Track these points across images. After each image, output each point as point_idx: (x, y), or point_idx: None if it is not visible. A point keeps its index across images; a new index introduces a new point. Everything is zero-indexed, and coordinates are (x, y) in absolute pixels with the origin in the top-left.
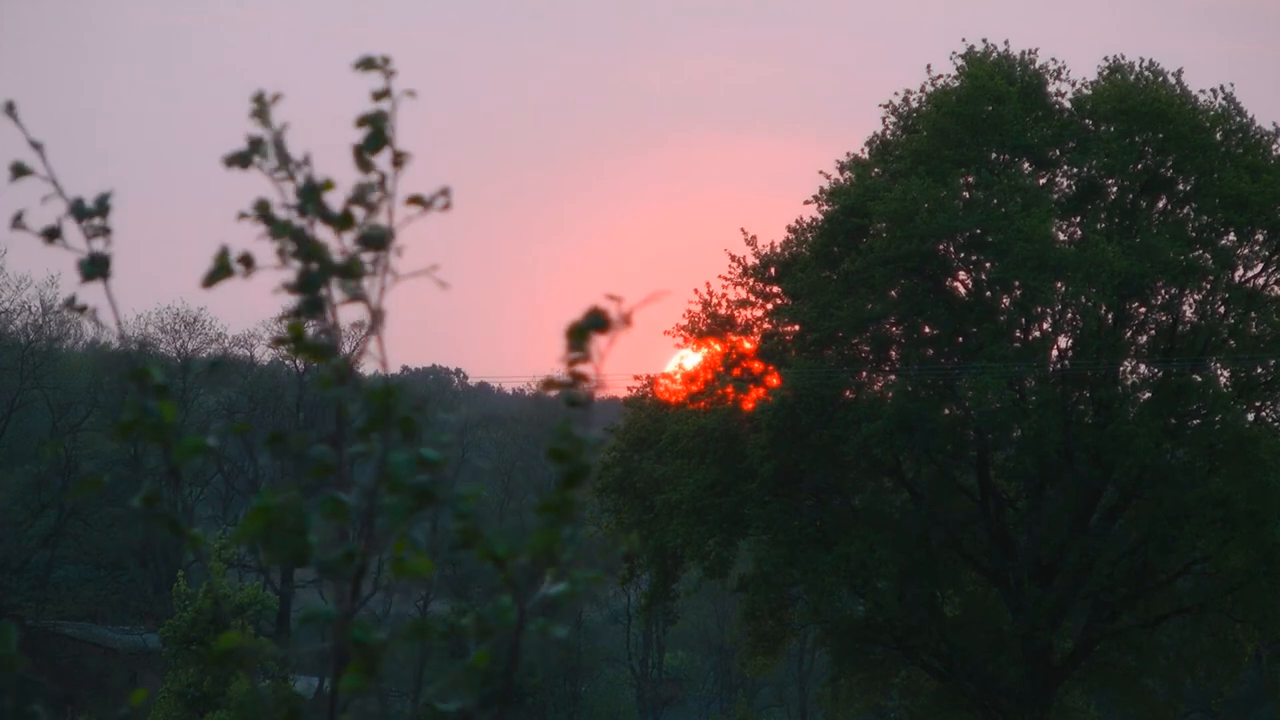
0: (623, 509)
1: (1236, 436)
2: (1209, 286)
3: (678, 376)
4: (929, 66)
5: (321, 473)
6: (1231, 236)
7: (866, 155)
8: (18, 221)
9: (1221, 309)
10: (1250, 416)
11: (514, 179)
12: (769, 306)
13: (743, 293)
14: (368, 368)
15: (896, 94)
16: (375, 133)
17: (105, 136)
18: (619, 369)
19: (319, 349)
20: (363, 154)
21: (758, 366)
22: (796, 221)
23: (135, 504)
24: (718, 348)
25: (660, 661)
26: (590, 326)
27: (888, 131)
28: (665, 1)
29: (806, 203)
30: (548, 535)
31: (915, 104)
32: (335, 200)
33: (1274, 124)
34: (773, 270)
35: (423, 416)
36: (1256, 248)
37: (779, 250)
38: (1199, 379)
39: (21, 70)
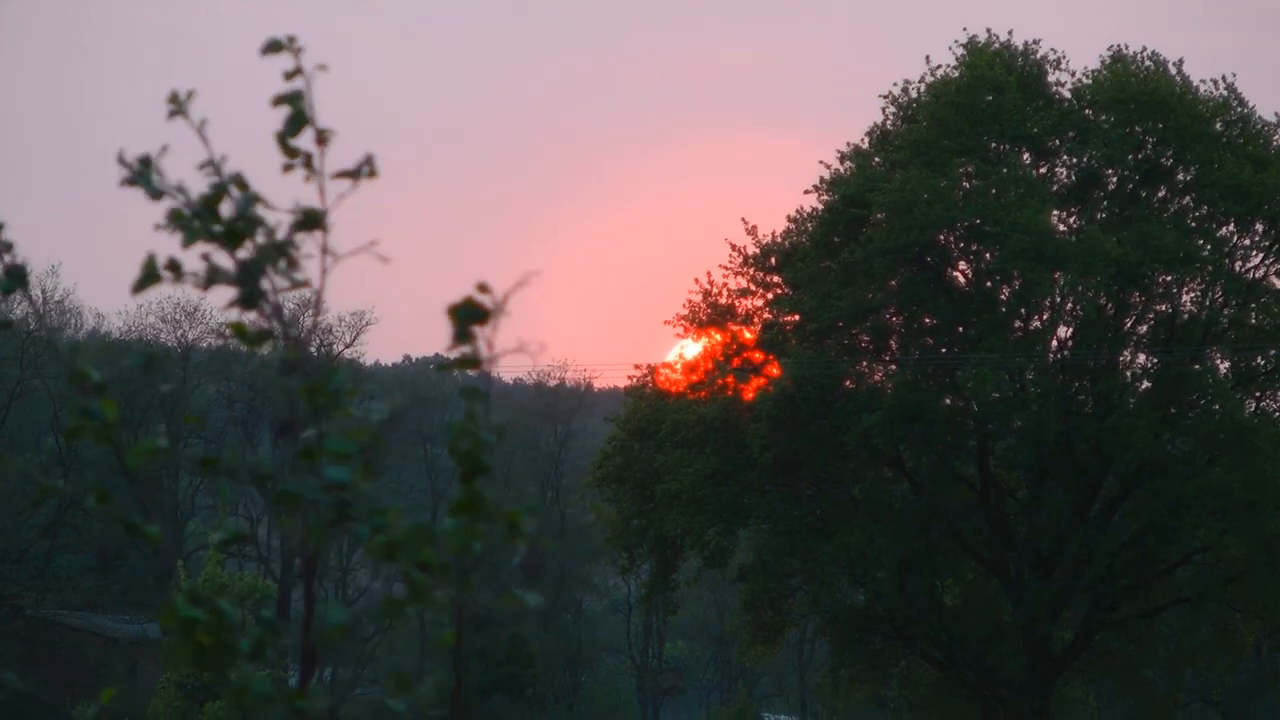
0: (623, 498)
1: (1236, 427)
2: (1208, 277)
3: (678, 366)
4: (928, 57)
5: (262, 480)
6: (1231, 227)
7: (867, 145)
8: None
9: (1221, 299)
10: (1250, 406)
11: (516, 171)
12: (769, 296)
13: (743, 282)
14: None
15: (896, 84)
16: (295, 114)
17: (104, 132)
18: (620, 358)
19: (259, 336)
20: (285, 139)
21: (758, 356)
22: (797, 211)
23: (90, 504)
24: (718, 337)
25: (660, 651)
26: (468, 318)
27: (888, 122)
28: None
29: (807, 192)
30: (464, 533)
31: (915, 94)
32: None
33: (1276, 114)
34: (773, 260)
35: (339, 406)
36: (1256, 238)
37: (779, 240)
38: (1198, 369)
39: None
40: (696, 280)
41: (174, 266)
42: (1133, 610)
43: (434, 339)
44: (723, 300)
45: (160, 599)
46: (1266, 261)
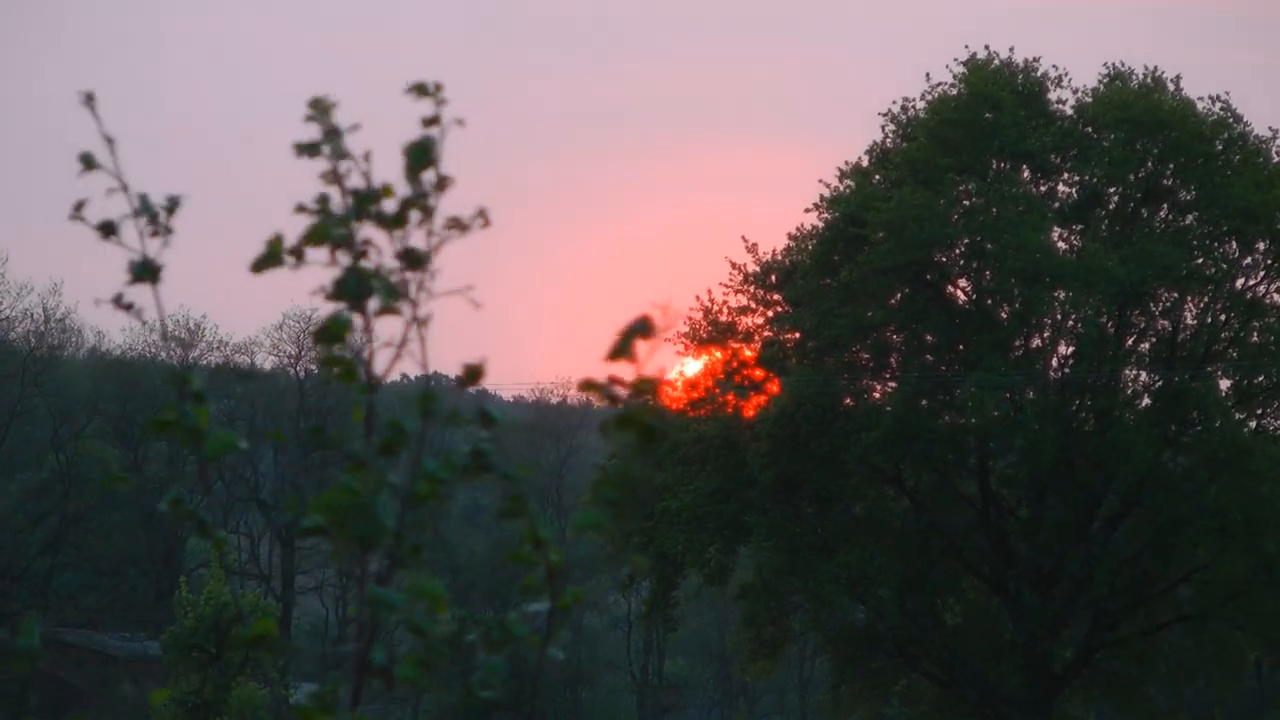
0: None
1: (1235, 446)
2: (1210, 294)
3: (679, 384)
4: (928, 75)
5: (358, 467)
6: (1232, 245)
7: (867, 163)
8: (78, 211)
9: (1222, 317)
10: (1251, 425)
11: (515, 186)
12: (770, 314)
13: (743, 300)
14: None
15: (896, 103)
16: (421, 154)
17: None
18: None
19: (349, 365)
20: (414, 172)
21: (758, 374)
22: (797, 229)
23: (162, 507)
24: (719, 355)
25: (661, 668)
26: (637, 332)
27: (888, 140)
28: (668, 9)
29: (807, 210)
30: (590, 517)
31: (915, 113)
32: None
33: (1271, 129)
34: (773, 278)
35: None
36: (1258, 256)
37: (780, 258)
38: (1199, 387)
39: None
40: (697, 298)
41: (298, 253)
42: (1133, 628)
43: (441, 357)
44: (723, 318)
45: (161, 616)
46: (1268, 279)
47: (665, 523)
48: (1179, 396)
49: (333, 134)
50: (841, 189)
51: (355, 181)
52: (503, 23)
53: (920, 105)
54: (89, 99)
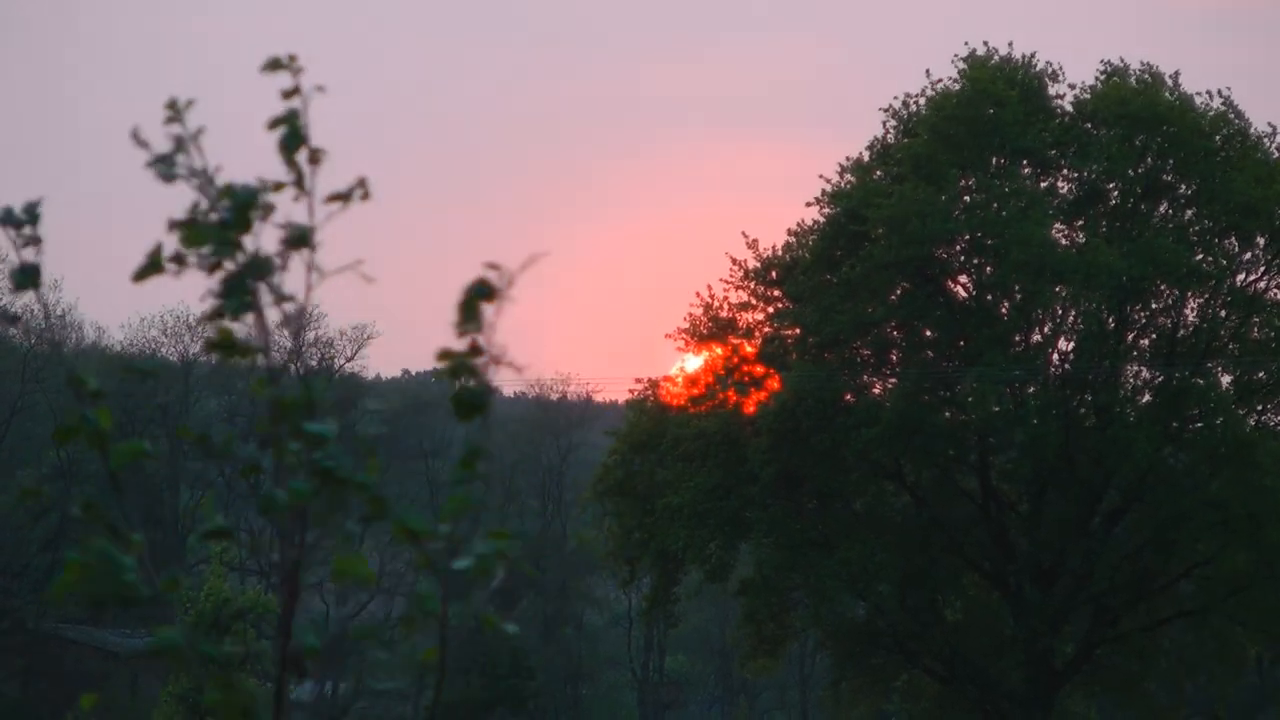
0: (624, 512)
1: (1237, 440)
2: (1211, 290)
3: (679, 380)
4: (928, 70)
5: (251, 471)
6: (1233, 240)
7: (868, 159)
8: None
9: (1223, 313)
10: (1251, 421)
11: (516, 183)
12: (770, 310)
13: (744, 296)
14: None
15: (897, 98)
16: (291, 133)
17: (106, 145)
18: (621, 372)
19: (246, 348)
20: (288, 153)
21: (759, 370)
22: (798, 225)
23: (74, 513)
24: (719, 351)
25: (661, 665)
26: (478, 296)
27: (889, 135)
28: (668, 6)
29: (808, 205)
30: (458, 500)
31: (916, 108)
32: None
33: (1270, 125)
34: (774, 273)
35: (325, 409)
36: (1258, 252)
37: (780, 253)
38: (1200, 383)
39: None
40: (697, 294)
41: (179, 259)
42: (1134, 623)
43: (429, 354)
44: (724, 314)
45: (161, 612)
46: (1268, 275)
47: (666, 519)
48: (1180, 393)
49: (180, 144)
50: (843, 184)
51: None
52: (502, 19)
53: (921, 101)
54: None
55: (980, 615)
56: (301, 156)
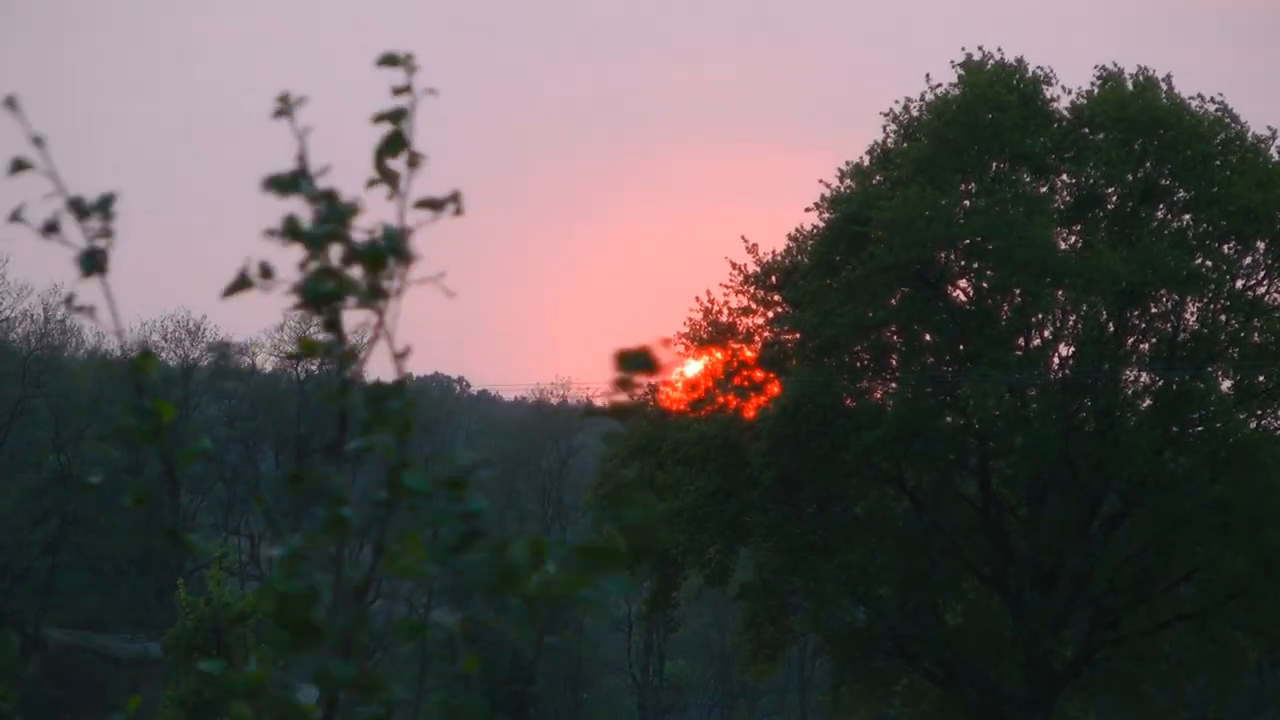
0: None
1: (1238, 443)
2: (1211, 294)
3: (679, 384)
4: (928, 75)
5: (318, 493)
6: (1232, 244)
7: (868, 163)
8: (16, 215)
9: (1223, 317)
10: (1251, 425)
11: (516, 188)
12: (770, 314)
13: (744, 300)
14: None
15: (898, 102)
16: (394, 134)
17: (107, 139)
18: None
19: (330, 349)
20: (381, 156)
21: (759, 374)
22: (798, 229)
23: (125, 503)
24: (719, 355)
25: (661, 669)
26: (636, 365)
27: (889, 140)
28: (668, 10)
29: (808, 210)
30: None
31: (916, 112)
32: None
33: (1269, 128)
34: (774, 278)
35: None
36: (1258, 256)
37: (780, 258)
38: (1200, 386)
39: (24, 66)
40: (697, 298)
41: (266, 271)
42: (1134, 627)
43: (430, 358)
44: (723, 318)
45: (161, 617)
46: (1269, 279)
47: (666, 523)
48: (1180, 397)
49: (302, 171)
50: (842, 189)
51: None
52: (502, 21)
53: (921, 105)
54: (10, 103)
55: (980, 619)
56: (399, 159)
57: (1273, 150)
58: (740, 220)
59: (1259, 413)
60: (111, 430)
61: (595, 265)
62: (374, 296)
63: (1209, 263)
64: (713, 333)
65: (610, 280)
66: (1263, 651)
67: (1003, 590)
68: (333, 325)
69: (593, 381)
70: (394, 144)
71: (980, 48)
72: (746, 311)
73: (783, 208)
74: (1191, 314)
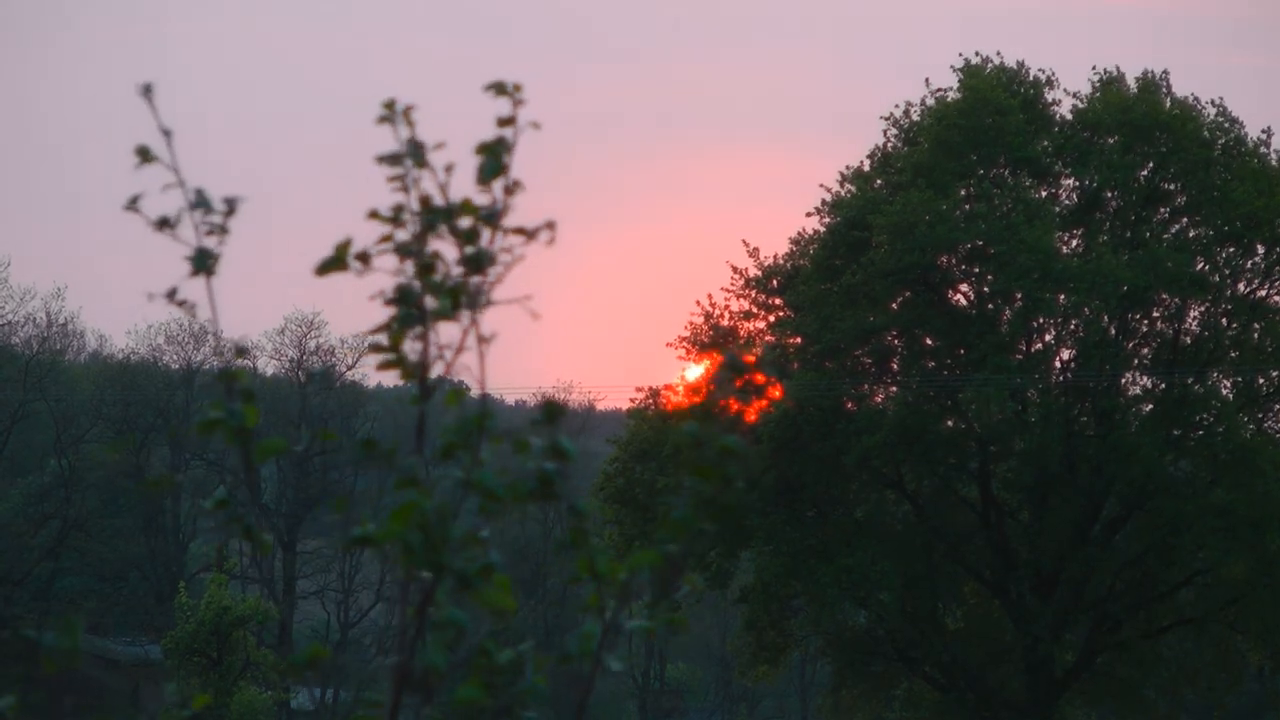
0: (624, 519)
1: (1239, 447)
2: (1212, 298)
3: (680, 388)
4: (928, 79)
5: (407, 484)
6: (1233, 248)
7: (868, 168)
8: (133, 204)
9: (1224, 321)
10: (1252, 428)
11: (516, 188)
12: (771, 318)
13: (745, 304)
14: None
15: (898, 106)
16: (494, 160)
17: (107, 151)
18: (622, 381)
19: (410, 365)
20: (484, 179)
21: (760, 378)
22: (799, 233)
23: (208, 506)
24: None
25: (662, 672)
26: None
27: (889, 144)
28: (669, 14)
29: (809, 215)
30: (648, 556)
31: (916, 116)
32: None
33: (1266, 130)
34: (775, 282)
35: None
36: (1258, 260)
37: (781, 262)
38: (1201, 390)
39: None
40: (698, 302)
41: (364, 258)
42: (1134, 631)
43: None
44: (724, 322)
45: (162, 620)
46: (1269, 282)
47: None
48: (1181, 400)
49: (418, 147)
50: (843, 193)
51: (428, 189)
52: (502, 23)
53: (921, 109)
54: (147, 91)
55: (981, 623)
56: (499, 186)
57: (1271, 153)
58: (742, 224)
59: (1260, 416)
60: (197, 425)
61: (598, 268)
62: (470, 306)
63: (1210, 267)
64: (714, 337)
65: (613, 283)
66: (1263, 656)
67: (1003, 594)
68: (413, 321)
69: (595, 385)
70: (492, 169)
71: (977, 52)
72: (748, 316)
73: (784, 212)
74: (1193, 318)
